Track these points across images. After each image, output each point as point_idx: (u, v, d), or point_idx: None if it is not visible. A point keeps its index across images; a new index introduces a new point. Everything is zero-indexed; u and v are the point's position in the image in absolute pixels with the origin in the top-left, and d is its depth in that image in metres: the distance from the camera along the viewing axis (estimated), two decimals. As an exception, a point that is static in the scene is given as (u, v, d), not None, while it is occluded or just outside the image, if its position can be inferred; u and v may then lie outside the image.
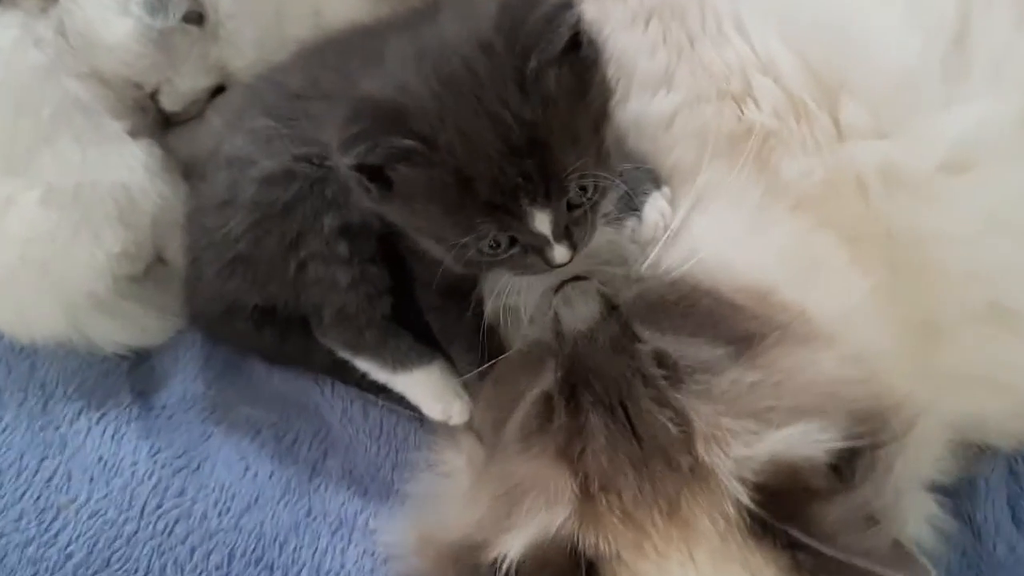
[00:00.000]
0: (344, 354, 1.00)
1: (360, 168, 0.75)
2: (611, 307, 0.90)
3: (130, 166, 1.10)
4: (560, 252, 0.79)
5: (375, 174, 0.76)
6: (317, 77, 0.94)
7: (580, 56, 0.76)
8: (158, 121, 1.20)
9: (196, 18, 1.14)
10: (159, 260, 1.16)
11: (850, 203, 0.92)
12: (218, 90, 1.19)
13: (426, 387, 0.98)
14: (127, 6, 1.09)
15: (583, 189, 0.78)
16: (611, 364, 0.83)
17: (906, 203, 0.90)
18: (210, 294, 1.02)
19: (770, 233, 0.93)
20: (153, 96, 1.17)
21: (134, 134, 1.14)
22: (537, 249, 0.79)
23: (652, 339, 0.87)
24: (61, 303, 1.07)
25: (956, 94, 0.88)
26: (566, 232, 0.79)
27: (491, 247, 0.79)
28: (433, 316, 0.98)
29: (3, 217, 1.05)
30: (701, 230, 0.94)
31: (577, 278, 0.91)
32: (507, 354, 0.96)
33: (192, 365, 1.12)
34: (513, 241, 0.79)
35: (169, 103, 1.17)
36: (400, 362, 0.97)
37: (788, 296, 0.91)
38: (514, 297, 0.97)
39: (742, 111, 0.97)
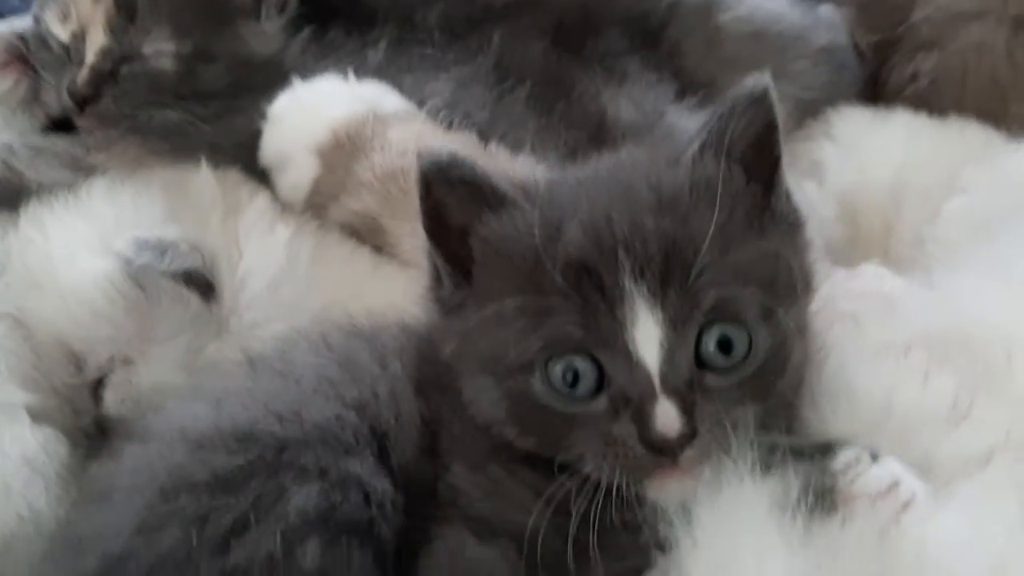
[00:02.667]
0: None
1: (438, 230, 0.61)
2: None
3: (4, 452, 0.65)
4: (666, 413, 0.54)
5: (458, 240, 0.61)
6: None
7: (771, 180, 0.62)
8: (88, 430, 0.76)
9: (202, 284, 0.78)
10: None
11: None
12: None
13: None
14: (110, 243, 0.75)
15: (724, 346, 0.56)
16: None
17: None
18: None
19: None
20: (97, 387, 0.76)
21: (39, 418, 0.70)
22: (633, 403, 0.55)
23: None
24: None
25: None
26: (684, 391, 0.55)
27: (566, 380, 0.56)
28: None
29: None
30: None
31: None
32: None
33: None
34: (600, 381, 0.56)
35: (115, 401, 0.75)
36: None
37: None
38: None
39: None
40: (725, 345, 0.57)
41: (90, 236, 0.78)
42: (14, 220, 0.81)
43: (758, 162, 0.62)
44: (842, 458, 0.57)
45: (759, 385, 0.57)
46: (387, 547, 0.57)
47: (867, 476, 0.55)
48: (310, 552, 0.55)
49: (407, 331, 0.69)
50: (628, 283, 0.55)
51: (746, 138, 0.61)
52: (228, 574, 0.55)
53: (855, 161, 1.07)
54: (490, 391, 0.59)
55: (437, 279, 0.62)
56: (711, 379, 0.56)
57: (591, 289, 0.55)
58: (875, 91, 1.19)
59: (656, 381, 0.54)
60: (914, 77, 1.15)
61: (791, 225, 0.64)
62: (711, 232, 0.56)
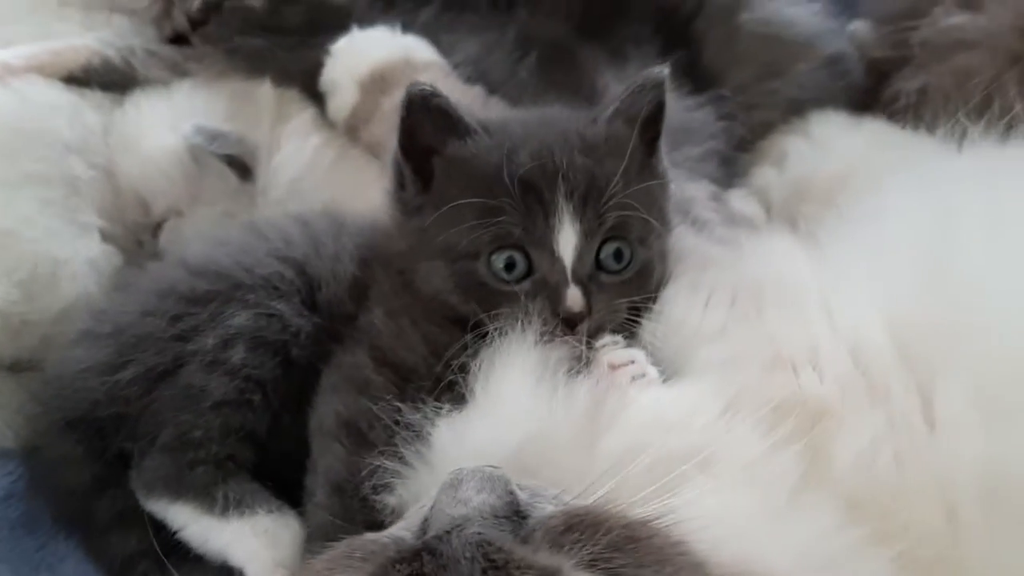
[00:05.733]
0: (157, 502, 0.77)
1: (412, 142, 0.79)
2: (516, 511, 0.57)
3: (75, 249, 0.95)
4: (573, 295, 0.75)
5: (423, 157, 0.79)
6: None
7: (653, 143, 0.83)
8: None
9: (240, 167, 1.05)
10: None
11: (927, 517, 0.61)
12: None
13: (264, 540, 0.74)
14: (178, 124, 1.03)
15: (618, 256, 0.78)
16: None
17: (1011, 537, 0.60)
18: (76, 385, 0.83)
19: (802, 524, 0.63)
20: (156, 229, 1.04)
21: (107, 239, 1.00)
22: (549, 287, 0.76)
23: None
24: None
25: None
26: (586, 282, 0.76)
27: (505, 265, 0.76)
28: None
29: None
30: (708, 496, 0.62)
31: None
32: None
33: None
34: (528, 270, 0.77)
35: (166, 241, 1.04)
36: (237, 503, 0.75)
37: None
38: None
39: (799, 381, 0.71)
40: (617, 255, 0.78)
41: (169, 119, 1.06)
42: (121, 101, 1.10)
43: (648, 130, 0.83)
44: (604, 340, 0.77)
45: (633, 287, 0.79)
46: (297, 362, 0.81)
47: (613, 352, 0.76)
48: (237, 353, 0.78)
49: (369, 223, 0.90)
50: (561, 200, 0.75)
51: (645, 111, 0.82)
52: (187, 354, 0.79)
53: (818, 155, 1.19)
54: (441, 271, 0.78)
55: (401, 186, 0.81)
56: (604, 277, 0.78)
57: (533, 201, 0.75)
58: (870, 102, 1.30)
59: (569, 273, 0.76)
60: (897, 96, 1.24)
61: (662, 182, 0.84)
62: (619, 174, 0.77)
